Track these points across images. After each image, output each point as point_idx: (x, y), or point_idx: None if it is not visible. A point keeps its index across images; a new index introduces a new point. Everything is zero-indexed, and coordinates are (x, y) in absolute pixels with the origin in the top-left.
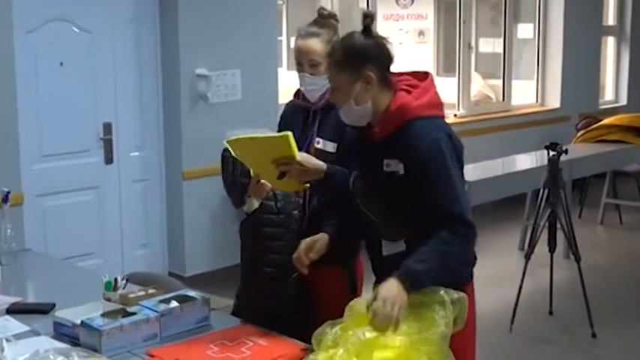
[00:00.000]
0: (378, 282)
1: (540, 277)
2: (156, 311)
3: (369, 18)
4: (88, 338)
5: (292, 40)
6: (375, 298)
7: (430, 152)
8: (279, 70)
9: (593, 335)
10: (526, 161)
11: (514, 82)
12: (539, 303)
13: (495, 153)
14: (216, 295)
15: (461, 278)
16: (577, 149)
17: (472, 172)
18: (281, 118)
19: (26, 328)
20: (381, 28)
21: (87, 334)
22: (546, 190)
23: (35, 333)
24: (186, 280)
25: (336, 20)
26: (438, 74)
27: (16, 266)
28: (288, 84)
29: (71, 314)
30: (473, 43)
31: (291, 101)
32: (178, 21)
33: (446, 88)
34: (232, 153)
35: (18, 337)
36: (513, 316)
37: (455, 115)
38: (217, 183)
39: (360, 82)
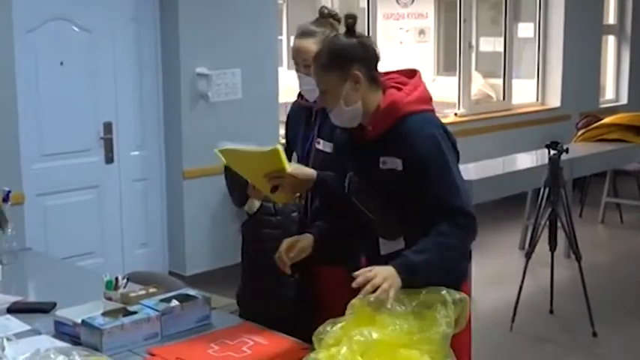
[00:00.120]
0: None
1: (541, 276)
2: (157, 310)
3: (351, 19)
4: (89, 337)
5: (292, 39)
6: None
7: (428, 147)
8: (280, 69)
9: (594, 334)
10: (526, 160)
11: (514, 81)
12: (539, 302)
13: (496, 152)
14: (216, 295)
15: (459, 275)
16: (577, 148)
17: (472, 171)
18: (288, 116)
19: (27, 327)
20: (382, 27)
21: (88, 333)
22: (547, 189)
23: (36, 332)
24: (186, 279)
25: (336, 20)
26: (438, 73)
27: (16, 265)
28: (288, 83)
29: (72, 313)
30: (473, 42)
31: (296, 100)
32: (179, 20)
33: (446, 87)
34: (224, 161)
35: (19, 336)
36: (514, 315)
37: (455, 114)
38: (218, 182)
39: (348, 82)
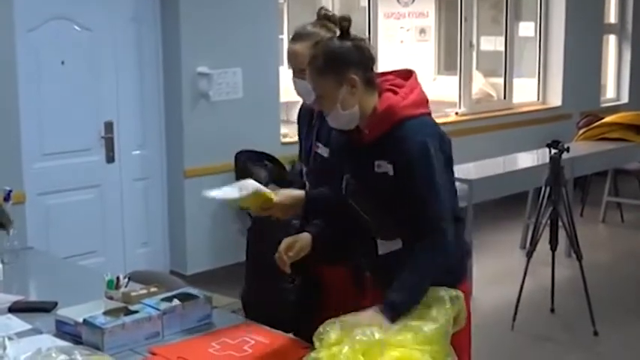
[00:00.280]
0: (374, 281)
1: (542, 275)
2: (158, 309)
3: (346, 22)
4: (91, 336)
5: None
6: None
7: (417, 153)
8: (280, 68)
9: (595, 333)
10: (527, 159)
11: (515, 80)
12: (540, 301)
13: (497, 151)
14: (217, 294)
15: (458, 274)
16: (578, 147)
17: (473, 170)
18: (298, 116)
19: (28, 326)
20: (382, 26)
21: (89, 332)
22: (548, 189)
23: (37, 331)
24: (187, 278)
25: (332, 22)
26: (439, 72)
27: (18, 265)
28: (289, 82)
29: (73, 312)
30: (474, 41)
31: (303, 102)
32: (180, 19)
33: (447, 87)
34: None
35: (20, 335)
36: (515, 313)
37: (456, 114)
38: (219, 181)
39: (344, 86)
